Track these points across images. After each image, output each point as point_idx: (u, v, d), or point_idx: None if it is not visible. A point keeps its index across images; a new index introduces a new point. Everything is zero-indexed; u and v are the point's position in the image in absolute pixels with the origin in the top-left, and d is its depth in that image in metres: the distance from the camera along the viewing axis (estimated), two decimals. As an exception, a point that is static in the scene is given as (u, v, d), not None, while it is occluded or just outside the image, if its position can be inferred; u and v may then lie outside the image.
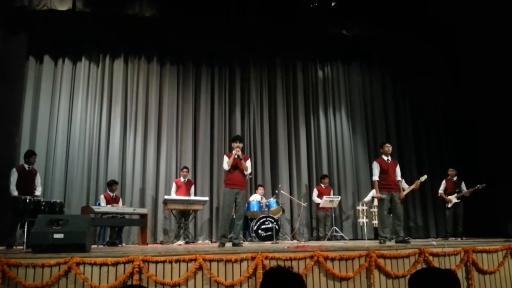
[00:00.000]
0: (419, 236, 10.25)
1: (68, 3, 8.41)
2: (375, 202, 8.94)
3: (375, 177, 6.88)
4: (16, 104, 8.62)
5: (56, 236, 4.75)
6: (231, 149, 6.59)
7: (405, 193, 8.43)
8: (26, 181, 7.04)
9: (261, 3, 9.24)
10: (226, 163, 6.38)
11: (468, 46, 9.87)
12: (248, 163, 6.53)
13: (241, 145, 6.48)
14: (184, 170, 8.85)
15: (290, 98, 10.82)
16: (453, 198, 8.74)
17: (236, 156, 6.33)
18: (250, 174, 9.35)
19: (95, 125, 9.38)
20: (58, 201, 7.07)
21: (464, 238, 8.32)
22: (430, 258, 5.28)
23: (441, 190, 9.04)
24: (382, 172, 6.83)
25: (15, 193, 6.82)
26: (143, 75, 9.94)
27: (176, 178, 9.22)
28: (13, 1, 8.18)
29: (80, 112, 9.31)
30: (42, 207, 6.61)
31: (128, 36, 9.75)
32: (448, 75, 10.82)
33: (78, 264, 4.32)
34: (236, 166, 6.36)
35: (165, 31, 9.77)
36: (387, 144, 7.06)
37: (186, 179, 8.81)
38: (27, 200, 6.55)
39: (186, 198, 8.47)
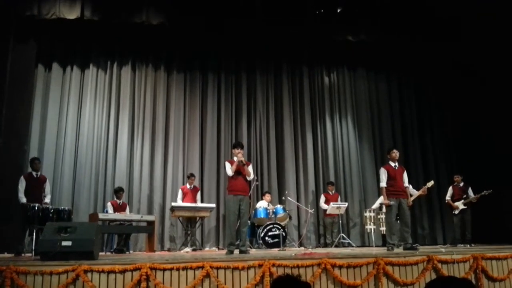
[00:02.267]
0: (426, 243, 10.19)
1: (77, 12, 8.51)
2: (384, 209, 8.89)
3: (383, 184, 6.84)
4: (25, 112, 8.71)
5: (64, 243, 4.76)
6: (233, 155, 6.59)
7: (412, 199, 8.38)
8: (35, 188, 7.11)
9: (267, 10, 9.28)
10: (229, 169, 6.34)
11: (474, 51, 9.81)
12: (250, 169, 6.51)
13: (242, 151, 6.46)
14: (192, 177, 8.89)
15: (297, 105, 10.84)
16: (460, 205, 8.69)
17: (239, 162, 6.32)
18: (257, 180, 9.41)
19: (103, 132, 9.44)
20: (66, 208, 7.10)
21: (473, 244, 8.26)
22: (439, 265, 5.24)
23: (448, 197, 8.99)
24: (390, 178, 6.80)
25: (23, 200, 6.89)
26: (151, 83, 10.01)
27: (183, 185, 9.24)
28: (23, 11, 8.30)
29: (88, 119, 9.37)
30: (50, 215, 6.65)
31: (135, 43, 9.85)
32: (455, 80, 10.76)
33: (86, 271, 4.33)
34: (239, 172, 6.33)
35: (172, 39, 9.86)
36: (394, 150, 7.03)
37: (192, 186, 8.84)
38: (36, 208, 6.60)
39: (193, 205, 8.49)
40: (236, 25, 9.33)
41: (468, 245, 8.19)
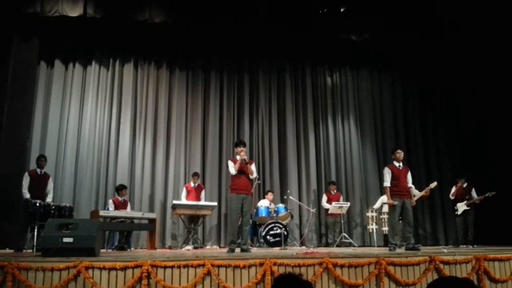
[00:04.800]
0: (428, 243, 10.17)
1: (79, 9, 8.50)
2: (384, 209, 8.87)
3: (387, 183, 6.81)
4: (27, 109, 8.71)
5: (65, 240, 4.76)
6: (236, 154, 6.57)
7: (415, 199, 8.35)
8: (38, 185, 7.12)
9: (270, 9, 9.26)
10: (232, 168, 6.28)
11: (479, 50, 9.77)
12: (253, 167, 6.47)
13: (244, 149, 6.43)
14: (195, 177, 8.89)
15: (299, 104, 10.82)
16: (463, 206, 8.65)
17: (242, 161, 6.29)
18: (259, 179, 9.39)
19: (105, 129, 9.44)
20: (67, 205, 7.12)
21: (475, 246, 8.22)
22: (441, 266, 5.20)
23: (451, 196, 8.96)
24: (394, 178, 6.77)
25: (27, 195, 6.90)
26: (153, 81, 10.01)
27: (185, 183, 9.23)
28: (25, 8, 8.29)
29: (90, 117, 9.37)
30: (52, 211, 6.67)
31: (138, 41, 9.83)
32: (459, 80, 10.71)
33: (87, 268, 4.32)
34: (242, 170, 6.28)
35: (174, 37, 9.83)
36: (399, 150, 6.99)
37: (196, 184, 8.84)
38: (37, 204, 6.61)
39: (195, 203, 8.49)
40: (239, 24, 9.30)
41: (471, 246, 8.16)
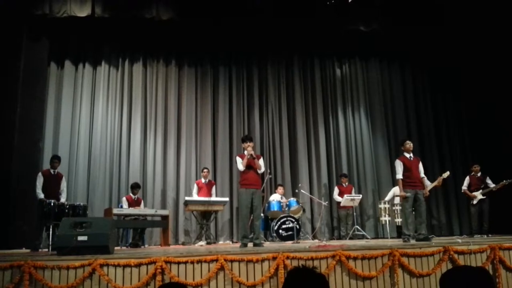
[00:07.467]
0: (442, 234, 10.09)
1: (87, 9, 8.55)
2: (396, 200, 8.81)
3: (399, 175, 6.76)
4: (39, 109, 8.81)
5: (80, 238, 4.82)
6: (243, 149, 6.58)
7: (427, 190, 8.27)
8: (51, 185, 7.20)
9: (277, 1, 9.20)
10: (240, 164, 6.35)
11: (487, 37, 9.62)
12: (261, 162, 6.49)
13: (252, 144, 6.44)
14: (205, 170, 8.90)
15: (309, 97, 10.77)
16: (478, 195, 8.55)
17: (249, 156, 6.31)
18: (270, 174, 9.40)
19: (116, 128, 9.51)
20: (81, 204, 7.19)
21: (490, 235, 8.14)
22: (455, 256, 5.17)
23: (464, 187, 8.85)
24: (406, 169, 6.73)
25: (41, 196, 6.99)
26: (162, 78, 10.04)
27: (197, 179, 9.27)
28: (34, 9, 8.37)
29: (101, 116, 9.45)
30: (66, 210, 6.75)
31: (146, 40, 9.87)
32: (469, 68, 10.55)
33: (101, 265, 4.38)
34: (250, 165, 6.32)
35: (182, 34, 9.85)
36: (408, 141, 6.94)
37: (207, 180, 8.86)
38: (52, 204, 6.70)
39: (207, 199, 8.51)
40: (246, 18, 9.26)
41: (485, 236, 8.08)
